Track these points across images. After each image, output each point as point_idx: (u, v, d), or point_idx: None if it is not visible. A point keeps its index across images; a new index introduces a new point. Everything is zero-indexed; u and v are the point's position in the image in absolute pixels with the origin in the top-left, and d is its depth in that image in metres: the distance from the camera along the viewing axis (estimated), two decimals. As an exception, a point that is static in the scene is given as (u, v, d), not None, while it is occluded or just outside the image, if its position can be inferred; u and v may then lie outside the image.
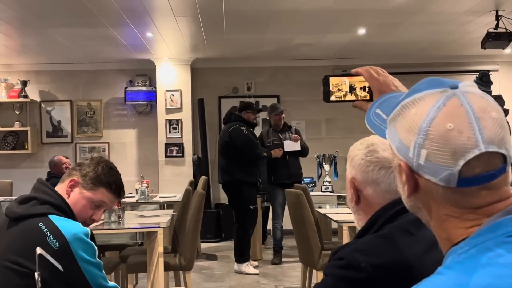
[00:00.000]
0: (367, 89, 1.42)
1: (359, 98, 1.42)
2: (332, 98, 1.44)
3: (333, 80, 1.44)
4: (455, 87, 0.89)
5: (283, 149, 6.78)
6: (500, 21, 6.32)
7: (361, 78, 1.42)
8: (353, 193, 1.64)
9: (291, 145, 6.77)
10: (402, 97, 0.94)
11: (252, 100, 9.17)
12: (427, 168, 0.87)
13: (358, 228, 1.67)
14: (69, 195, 2.18)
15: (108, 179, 2.21)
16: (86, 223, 2.20)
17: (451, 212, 0.89)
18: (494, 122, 0.86)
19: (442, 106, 0.87)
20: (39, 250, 1.90)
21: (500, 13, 6.26)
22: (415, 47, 8.22)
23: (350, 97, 1.43)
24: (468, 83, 0.92)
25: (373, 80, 1.40)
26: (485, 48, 6.57)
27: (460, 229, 0.88)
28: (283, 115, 7.01)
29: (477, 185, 0.86)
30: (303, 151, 6.92)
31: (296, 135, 6.88)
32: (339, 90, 1.43)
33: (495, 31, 6.31)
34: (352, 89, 1.43)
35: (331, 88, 1.44)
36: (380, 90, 1.37)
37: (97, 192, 2.20)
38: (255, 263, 6.81)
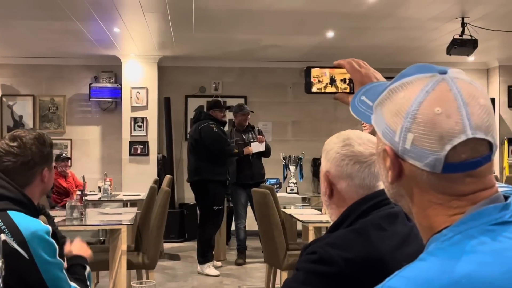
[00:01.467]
0: (347, 81, 1.41)
1: (340, 90, 1.41)
2: (313, 89, 1.42)
3: (314, 72, 1.42)
4: (444, 72, 0.88)
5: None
6: (466, 28, 6.44)
7: (342, 70, 1.42)
8: (326, 187, 1.63)
9: (256, 146, 6.75)
10: (390, 82, 0.93)
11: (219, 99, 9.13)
12: (413, 152, 0.86)
13: (329, 219, 1.66)
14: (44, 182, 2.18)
15: (49, 141, 2.22)
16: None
17: (435, 198, 0.88)
18: (482, 108, 0.85)
19: (430, 90, 0.86)
20: (3, 237, 1.84)
21: (465, 20, 6.38)
22: (381, 52, 8.31)
23: (330, 88, 1.42)
24: (457, 70, 0.91)
25: (355, 72, 1.39)
26: (450, 55, 6.68)
27: (443, 216, 0.87)
28: (249, 116, 6.98)
29: (462, 172, 0.85)
30: (267, 152, 6.91)
31: (261, 136, 6.87)
32: (319, 81, 1.42)
33: (461, 38, 6.42)
34: (332, 81, 1.42)
35: (312, 80, 1.43)
36: (361, 82, 1.36)
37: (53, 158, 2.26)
38: (219, 263, 6.76)
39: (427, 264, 0.82)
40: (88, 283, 2.17)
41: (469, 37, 6.45)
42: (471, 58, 8.09)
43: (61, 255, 2.06)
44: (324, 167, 1.64)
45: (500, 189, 0.92)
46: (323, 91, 1.43)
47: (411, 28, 6.90)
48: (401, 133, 0.87)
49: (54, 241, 1.99)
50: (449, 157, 0.84)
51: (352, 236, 1.51)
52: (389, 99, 0.91)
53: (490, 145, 0.86)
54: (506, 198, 0.90)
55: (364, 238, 1.50)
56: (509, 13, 6.16)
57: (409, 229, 1.57)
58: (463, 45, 6.44)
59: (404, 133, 0.86)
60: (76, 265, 2.19)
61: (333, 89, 1.43)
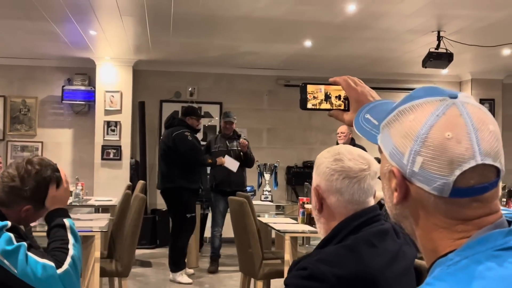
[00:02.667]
0: (342, 98, 1.41)
1: (334, 107, 1.41)
2: (308, 105, 1.42)
3: (309, 88, 1.42)
4: (454, 96, 0.89)
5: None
6: (441, 42, 6.53)
7: (337, 87, 1.41)
8: (316, 201, 1.62)
9: (231, 162, 6.61)
10: (398, 103, 0.92)
11: (195, 106, 9.07)
12: (421, 176, 0.86)
13: (321, 236, 1.64)
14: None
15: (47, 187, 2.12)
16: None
17: (441, 222, 0.88)
18: (491, 134, 0.86)
19: (441, 114, 0.86)
20: None
21: (441, 33, 6.47)
22: (358, 62, 8.37)
23: (325, 105, 1.42)
24: (466, 94, 0.91)
25: (351, 89, 1.38)
26: (426, 67, 6.76)
27: (448, 240, 0.87)
28: (233, 126, 6.89)
29: (470, 197, 0.86)
30: (248, 162, 6.82)
31: (243, 140, 6.77)
32: (314, 97, 1.41)
33: (436, 51, 6.51)
34: (327, 97, 1.41)
35: (308, 96, 1.42)
36: (357, 100, 1.36)
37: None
38: (191, 271, 6.69)
39: None
40: (70, 243, 2.06)
41: (444, 51, 6.54)
42: (444, 71, 8.21)
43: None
44: (314, 181, 1.64)
45: (502, 212, 0.92)
46: (317, 107, 1.42)
47: (388, 39, 6.96)
48: (409, 156, 0.87)
49: (8, 233, 1.92)
50: (457, 182, 0.84)
51: (343, 252, 1.50)
52: (398, 120, 0.90)
53: (497, 171, 0.87)
54: (509, 223, 0.90)
55: (355, 255, 1.49)
56: (484, 27, 6.27)
57: (399, 246, 1.58)
58: (438, 58, 6.53)
59: (413, 156, 0.86)
60: (54, 228, 2.10)
61: (327, 106, 1.43)
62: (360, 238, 1.53)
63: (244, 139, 6.82)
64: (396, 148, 0.89)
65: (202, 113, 8.81)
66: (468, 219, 0.86)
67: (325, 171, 1.60)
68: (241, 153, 6.75)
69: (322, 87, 1.43)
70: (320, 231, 1.67)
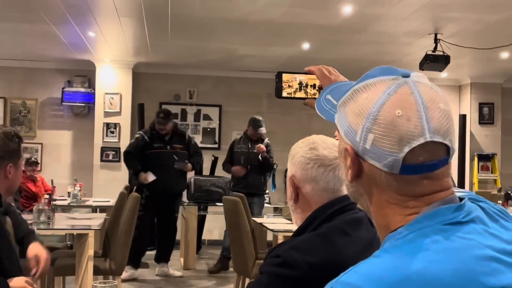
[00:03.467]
0: (317, 87, 1.43)
1: (309, 96, 1.43)
2: (283, 94, 1.44)
3: (284, 77, 1.44)
4: (407, 75, 0.91)
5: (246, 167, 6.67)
6: (438, 44, 6.55)
7: (313, 76, 1.43)
8: (292, 191, 1.63)
9: (151, 177, 6.49)
10: (355, 83, 0.95)
11: (194, 108, 9.12)
12: (373, 152, 0.88)
13: (296, 226, 1.66)
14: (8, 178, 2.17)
15: (18, 139, 2.22)
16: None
17: (392, 198, 0.89)
18: (441, 113, 0.88)
19: (392, 92, 0.88)
20: None
21: (438, 36, 6.50)
22: (355, 65, 8.37)
23: (300, 94, 1.43)
24: (419, 73, 0.93)
25: (325, 78, 1.41)
26: (423, 70, 6.77)
27: (399, 216, 0.89)
28: (260, 134, 6.82)
29: (419, 174, 0.87)
30: (265, 167, 6.77)
31: (260, 145, 6.73)
32: (289, 86, 1.43)
33: (433, 53, 6.53)
34: (302, 86, 1.43)
35: (283, 85, 1.44)
36: None
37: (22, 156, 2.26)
38: (179, 273, 6.63)
39: (380, 260, 0.83)
40: None
41: (441, 53, 6.56)
42: (443, 75, 8.23)
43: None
44: (290, 171, 1.65)
45: (457, 194, 0.94)
46: (292, 96, 1.44)
47: (385, 42, 6.99)
48: (362, 133, 0.88)
49: None
50: (407, 158, 0.86)
51: (316, 240, 1.51)
52: (352, 99, 0.92)
53: (447, 149, 0.88)
54: (461, 200, 0.91)
55: (328, 242, 1.50)
56: (481, 31, 6.29)
57: (373, 235, 1.58)
58: (435, 61, 6.55)
59: (365, 133, 0.88)
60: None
61: (302, 94, 1.44)
62: (333, 226, 1.54)
63: (267, 148, 6.77)
64: (350, 126, 0.91)
65: (201, 116, 8.89)
66: (419, 195, 0.88)
67: (300, 160, 1.62)
68: (260, 157, 6.73)
69: (297, 76, 1.45)
70: (296, 221, 1.68)
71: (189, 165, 6.56)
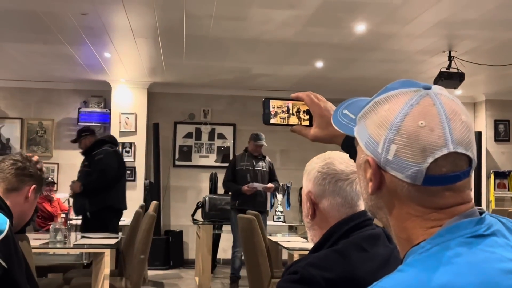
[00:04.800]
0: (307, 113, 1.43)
1: (302, 122, 1.43)
2: (276, 119, 1.43)
3: (277, 103, 1.44)
4: (428, 88, 0.92)
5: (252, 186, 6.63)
6: (453, 62, 6.54)
7: (302, 102, 1.43)
8: (309, 207, 1.63)
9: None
10: (374, 96, 0.96)
11: (208, 127, 9.17)
12: (395, 163, 0.88)
13: (312, 244, 1.66)
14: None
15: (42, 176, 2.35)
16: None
17: (414, 211, 0.89)
18: (463, 125, 0.88)
19: (415, 103, 0.89)
20: None
21: (452, 53, 6.49)
22: (369, 84, 8.39)
23: (293, 119, 1.43)
24: (440, 86, 0.94)
25: (314, 105, 1.41)
26: (437, 87, 6.76)
27: (421, 229, 0.89)
28: (260, 147, 6.88)
29: (442, 185, 0.88)
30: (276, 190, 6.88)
31: (270, 185, 6.76)
32: (283, 111, 1.43)
33: (448, 71, 6.52)
34: (296, 112, 1.43)
35: (271, 111, 1.43)
36: (321, 115, 1.39)
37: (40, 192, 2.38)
38: None
39: (405, 274, 0.83)
40: None
41: (456, 71, 6.55)
42: (458, 92, 8.20)
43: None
44: (306, 187, 1.65)
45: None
46: (286, 122, 1.44)
47: (399, 60, 7.00)
48: (384, 144, 0.89)
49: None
50: (430, 169, 0.86)
51: (333, 256, 1.51)
52: (374, 111, 0.93)
53: (469, 161, 0.89)
54: (481, 213, 0.91)
55: (345, 259, 1.50)
56: (495, 48, 6.28)
57: (390, 251, 1.58)
58: (449, 78, 6.53)
59: (387, 144, 0.88)
60: None
61: (295, 120, 1.44)
62: (350, 242, 1.54)
63: (270, 167, 6.86)
64: (371, 138, 0.92)
65: (216, 135, 8.93)
66: (441, 207, 0.88)
67: (317, 176, 1.62)
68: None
69: (291, 102, 1.45)
70: (312, 239, 1.67)
71: (76, 184, 6.05)
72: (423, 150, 0.86)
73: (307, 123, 1.43)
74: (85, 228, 5.74)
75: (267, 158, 7.01)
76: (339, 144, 1.45)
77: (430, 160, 0.85)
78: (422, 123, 0.86)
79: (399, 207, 0.91)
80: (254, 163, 6.79)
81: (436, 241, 0.85)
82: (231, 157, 9.05)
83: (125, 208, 6.21)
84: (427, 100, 0.89)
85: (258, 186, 6.60)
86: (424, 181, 0.86)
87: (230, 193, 7.04)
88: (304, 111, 1.44)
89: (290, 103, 1.44)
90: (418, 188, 0.87)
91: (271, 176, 6.90)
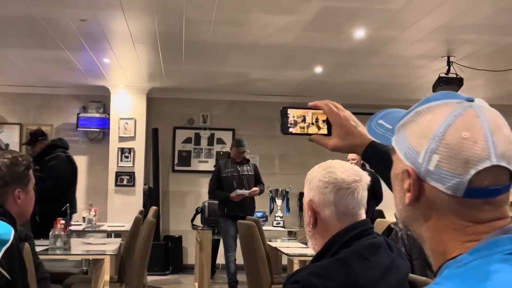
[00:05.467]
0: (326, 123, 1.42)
1: (321, 131, 1.42)
2: (296, 129, 1.42)
3: (295, 112, 1.43)
4: (471, 100, 0.91)
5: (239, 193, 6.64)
6: (451, 67, 6.55)
7: (321, 111, 1.42)
8: (310, 216, 1.63)
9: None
10: (415, 106, 0.95)
11: (207, 132, 9.17)
12: (436, 174, 0.87)
13: (314, 253, 1.66)
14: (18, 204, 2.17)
15: (25, 163, 2.22)
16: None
17: (452, 223, 0.89)
18: (506, 138, 0.88)
19: (459, 115, 0.88)
20: None
21: (451, 59, 6.50)
22: (368, 88, 8.41)
23: (312, 128, 1.42)
24: (481, 99, 0.93)
25: (333, 114, 1.40)
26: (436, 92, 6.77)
27: (458, 242, 0.88)
28: (244, 155, 6.94)
29: (483, 198, 0.87)
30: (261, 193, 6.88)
31: (255, 189, 6.77)
32: (303, 121, 1.42)
33: (446, 76, 6.53)
34: (315, 121, 1.42)
35: (290, 120, 1.42)
36: (340, 124, 1.38)
37: (31, 180, 2.26)
38: None
39: None
40: None
41: (454, 76, 6.56)
42: (456, 96, 8.20)
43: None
44: (307, 196, 1.65)
45: None
46: (305, 131, 1.42)
47: (397, 65, 7.01)
48: (425, 155, 0.88)
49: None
50: (472, 181, 0.85)
51: (335, 266, 1.51)
52: (415, 121, 0.93)
53: (510, 175, 0.88)
54: None
55: (347, 268, 1.50)
56: (494, 53, 6.29)
57: (392, 260, 1.58)
58: (448, 83, 6.54)
59: (429, 154, 0.88)
60: None
61: (315, 129, 1.42)
62: (352, 251, 1.54)
63: (255, 170, 6.85)
64: (411, 148, 0.91)
65: (215, 140, 8.93)
66: (479, 221, 0.87)
67: (319, 185, 1.62)
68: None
69: (310, 111, 1.44)
70: (314, 248, 1.67)
71: None
72: (465, 161, 0.85)
73: (325, 132, 1.42)
74: (33, 232, 5.72)
75: (251, 162, 7.04)
76: (359, 154, 1.46)
77: (472, 172, 0.84)
78: (465, 135, 0.86)
79: (437, 219, 0.90)
80: (239, 168, 6.80)
81: (474, 256, 0.84)
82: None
83: (75, 212, 6.20)
84: (471, 112, 0.88)
85: (244, 192, 6.62)
86: (465, 194, 0.85)
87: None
88: (323, 121, 1.43)
89: (308, 112, 1.43)
90: (458, 200, 0.86)
91: (256, 179, 6.90)
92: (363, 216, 1.64)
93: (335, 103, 1.43)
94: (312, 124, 1.43)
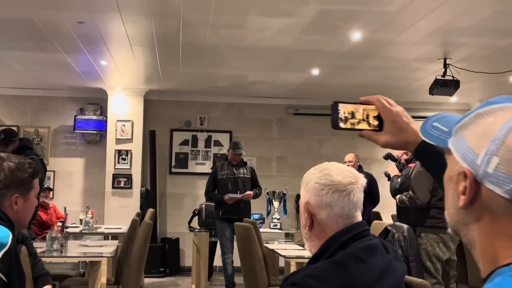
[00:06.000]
0: (376, 118, 1.40)
1: (371, 127, 1.40)
2: (347, 124, 1.38)
3: (346, 107, 1.40)
4: None
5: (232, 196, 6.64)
6: (448, 69, 6.57)
7: (373, 106, 1.41)
8: (307, 218, 1.64)
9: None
10: (475, 108, 0.94)
11: (205, 135, 9.17)
12: (494, 177, 0.85)
13: (311, 255, 1.66)
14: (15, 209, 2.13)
15: (31, 171, 2.18)
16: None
17: (507, 229, 0.86)
18: None
19: None
20: None
21: (448, 61, 6.52)
22: (365, 91, 8.40)
23: (363, 125, 1.39)
24: None
25: (386, 110, 1.39)
26: (432, 94, 6.79)
27: (511, 249, 0.86)
28: (241, 157, 6.94)
29: None
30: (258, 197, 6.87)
31: (249, 193, 6.78)
32: (353, 117, 1.40)
33: (443, 78, 6.54)
34: (366, 117, 1.40)
35: (340, 115, 1.37)
36: (393, 120, 1.36)
37: (33, 189, 2.20)
38: None
39: None
40: None
41: (451, 78, 6.58)
42: (453, 99, 8.24)
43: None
44: (303, 198, 1.66)
45: None
46: (356, 127, 1.39)
47: (394, 68, 7.03)
48: (485, 157, 0.86)
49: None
50: None
51: (332, 267, 1.52)
52: (475, 123, 0.91)
53: None
54: None
55: (343, 270, 1.51)
56: (490, 55, 6.32)
57: (388, 262, 1.59)
58: (445, 86, 6.56)
59: (488, 156, 0.86)
60: None
61: (365, 126, 1.39)
62: (348, 253, 1.55)
63: (252, 173, 6.83)
64: (470, 149, 0.89)
65: (212, 142, 8.93)
66: None
67: (315, 187, 1.63)
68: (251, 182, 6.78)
69: (360, 107, 1.43)
70: (311, 250, 1.68)
71: None
72: None
73: (376, 127, 1.40)
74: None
75: (248, 164, 7.02)
76: (411, 151, 1.44)
77: None
78: None
79: (491, 224, 0.87)
80: (235, 171, 6.80)
81: None
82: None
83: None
84: None
85: (237, 195, 6.61)
86: None
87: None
88: (374, 117, 1.40)
89: (359, 108, 1.40)
90: None
91: (253, 182, 6.89)
92: (359, 218, 1.65)
93: (387, 98, 1.41)
94: (363, 120, 1.40)
